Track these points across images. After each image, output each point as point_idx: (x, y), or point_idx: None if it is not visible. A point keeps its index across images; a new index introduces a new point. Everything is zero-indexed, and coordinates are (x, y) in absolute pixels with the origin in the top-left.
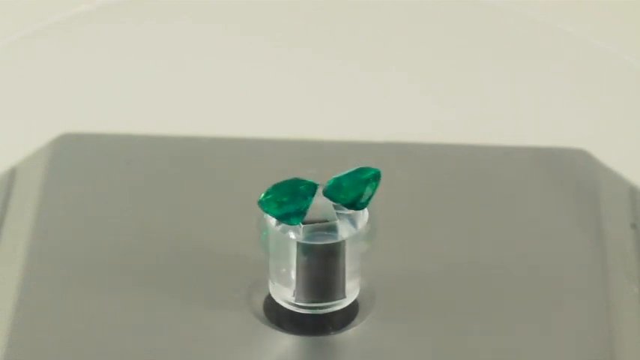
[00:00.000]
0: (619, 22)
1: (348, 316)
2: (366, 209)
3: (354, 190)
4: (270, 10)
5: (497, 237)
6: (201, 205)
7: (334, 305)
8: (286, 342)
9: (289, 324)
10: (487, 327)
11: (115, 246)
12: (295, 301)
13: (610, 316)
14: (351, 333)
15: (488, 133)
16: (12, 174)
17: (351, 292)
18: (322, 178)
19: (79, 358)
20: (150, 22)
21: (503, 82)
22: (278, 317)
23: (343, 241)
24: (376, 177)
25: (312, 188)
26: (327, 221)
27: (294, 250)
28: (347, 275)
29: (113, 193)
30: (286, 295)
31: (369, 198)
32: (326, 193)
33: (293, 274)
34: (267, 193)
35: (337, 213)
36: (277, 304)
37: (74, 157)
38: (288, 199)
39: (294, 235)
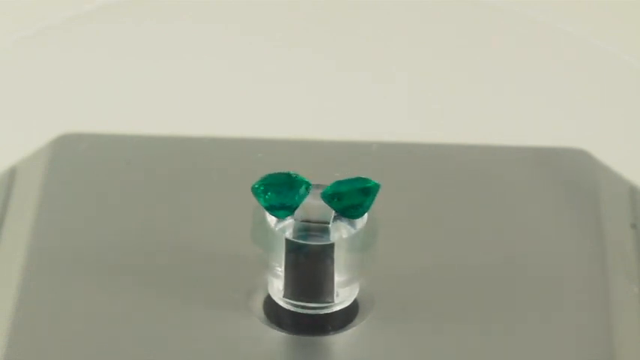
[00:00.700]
0: (619, 22)
1: (348, 316)
2: (366, 215)
3: (349, 198)
4: (270, 10)
5: (497, 237)
6: (201, 205)
7: (321, 308)
8: (286, 342)
9: (289, 324)
10: (487, 327)
11: (115, 246)
12: (283, 296)
13: (610, 316)
14: (350, 333)
15: (488, 133)
16: (12, 174)
17: (344, 297)
18: (322, 178)
19: (79, 358)
20: (150, 22)
21: (503, 82)
22: (278, 317)
23: (332, 244)
24: (375, 189)
25: (305, 186)
26: (320, 222)
27: (282, 246)
28: (338, 280)
29: (113, 193)
30: (276, 288)
31: (364, 209)
32: (322, 196)
33: (281, 270)
34: (261, 181)
35: (335, 216)
36: (277, 305)
37: (74, 157)
38: (280, 191)
39: (286, 231)
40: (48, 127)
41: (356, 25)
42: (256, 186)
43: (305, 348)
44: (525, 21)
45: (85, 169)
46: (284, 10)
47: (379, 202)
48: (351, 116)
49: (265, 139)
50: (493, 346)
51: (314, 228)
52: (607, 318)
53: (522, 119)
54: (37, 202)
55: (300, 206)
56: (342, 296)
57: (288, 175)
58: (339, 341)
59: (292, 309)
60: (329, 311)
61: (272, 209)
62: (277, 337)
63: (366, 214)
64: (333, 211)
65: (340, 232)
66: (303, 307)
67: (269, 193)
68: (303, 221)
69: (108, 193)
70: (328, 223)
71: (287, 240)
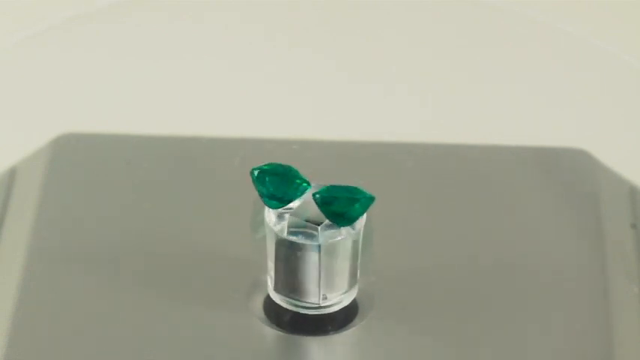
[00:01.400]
0: (619, 22)
1: (348, 316)
2: (364, 217)
3: (338, 205)
4: (270, 10)
5: (497, 237)
6: (201, 205)
7: (307, 308)
8: (286, 342)
9: (289, 324)
10: (487, 327)
11: (115, 246)
12: (273, 289)
13: (610, 316)
14: (351, 333)
15: (488, 133)
16: (12, 174)
17: (335, 301)
18: (322, 178)
19: (79, 358)
20: (150, 22)
21: (503, 82)
22: (278, 317)
23: (319, 245)
24: (366, 202)
25: (304, 185)
26: (313, 222)
27: (273, 240)
28: (326, 282)
29: (113, 193)
30: (269, 280)
31: (351, 219)
32: (313, 196)
33: (271, 264)
34: (262, 166)
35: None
36: (277, 305)
37: (74, 157)
38: (278, 182)
39: (277, 226)
40: (48, 127)
41: (356, 25)
42: (255, 171)
43: (305, 348)
44: (525, 21)
45: (85, 169)
46: (284, 10)
47: (379, 202)
48: (351, 116)
49: (265, 139)
50: (493, 345)
51: (306, 227)
52: (607, 318)
53: (522, 119)
54: (37, 202)
55: (300, 203)
56: (333, 300)
57: (290, 168)
58: (339, 341)
59: (282, 304)
60: (317, 313)
61: (265, 197)
62: (277, 337)
63: (359, 223)
64: None
65: (331, 236)
66: (289, 304)
67: (267, 180)
68: (296, 218)
69: (108, 193)
70: (319, 225)
71: (277, 235)
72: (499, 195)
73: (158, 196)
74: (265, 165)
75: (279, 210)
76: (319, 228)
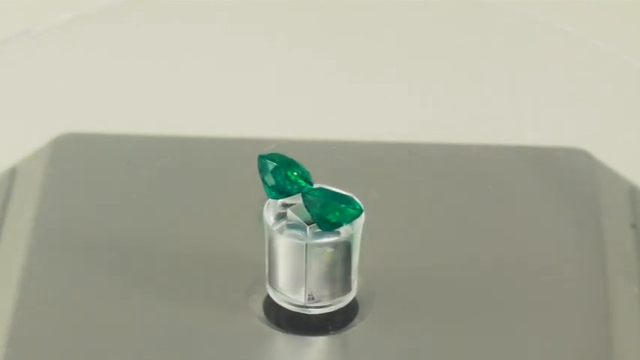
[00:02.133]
0: (619, 22)
1: (348, 316)
2: (357, 226)
3: (323, 209)
4: (270, 10)
5: (496, 237)
6: (201, 205)
7: (295, 306)
8: (286, 342)
9: (289, 324)
10: (487, 327)
11: (115, 246)
12: (267, 282)
13: (610, 316)
14: (351, 333)
15: (488, 133)
16: (12, 174)
17: (324, 302)
18: (321, 178)
19: (78, 358)
20: (150, 22)
21: (503, 82)
22: (278, 317)
23: (306, 244)
24: (352, 213)
25: (302, 182)
26: (305, 221)
27: (266, 234)
28: (314, 282)
29: (113, 193)
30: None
31: (334, 225)
32: (303, 196)
33: (266, 257)
34: (271, 155)
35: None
36: (277, 305)
37: (74, 157)
38: (280, 174)
39: (270, 220)
40: (48, 127)
41: (356, 25)
42: (262, 159)
43: (305, 348)
44: (525, 21)
45: (85, 169)
46: (284, 10)
47: (379, 202)
48: (351, 116)
49: (265, 139)
50: (493, 345)
51: (298, 225)
52: (607, 318)
53: (522, 119)
54: (37, 202)
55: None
56: (324, 302)
57: (295, 163)
58: (339, 341)
59: (274, 299)
60: (304, 312)
61: (266, 185)
62: (277, 337)
63: (347, 231)
64: None
65: (318, 237)
66: (280, 299)
67: (270, 169)
68: (293, 214)
69: (108, 193)
70: (309, 224)
71: (270, 229)
72: (499, 195)
73: (158, 196)
74: (275, 154)
75: (278, 207)
76: (308, 228)
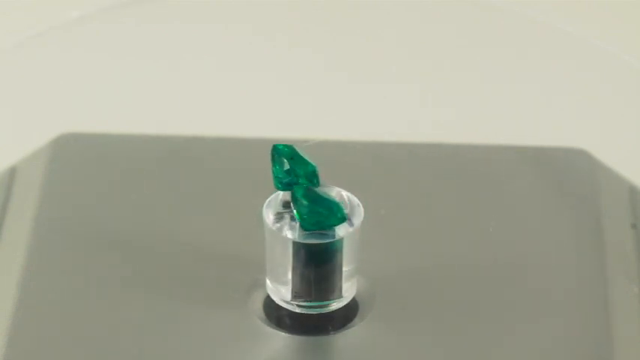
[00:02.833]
0: (619, 22)
1: (348, 316)
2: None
3: (299, 209)
4: (270, 10)
5: (496, 237)
6: (201, 205)
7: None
8: (286, 342)
9: (289, 324)
10: (487, 327)
11: (115, 246)
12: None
13: (610, 316)
14: (351, 333)
15: (488, 133)
16: (12, 174)
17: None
18: (321, 178)
19: (78, 358)
20: (150, 22)
21: (503, 82)
22: (278, 317)
23: (294, 242)
24: (332, 220)
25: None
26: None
27: (266, 233)
28: (298, 281)
29: (113, 193)
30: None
31: (306, 227)
32: (292, 189)
33: (266, 257)
34: (286, 148)
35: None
36: (277, 304)
37: (74, 157)
38: (299, 169)
39: (266, 215)
40: (48, 127)
41: (356, 25)
42: (277, 147)
43: (305, 348)
44: (525, 21)
45: (85, 169)
46: (284, 10)
47: (380, 202)
48: (351, 116)
49: (265, 139)
50: (493, 346)
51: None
52: (607, 318)
53: (522, 119)
54: (37, 202)
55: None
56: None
57: (304, 161)
58: (339, 341)
59: (269, 292)
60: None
61: (274, 175)
62: (277, 337)
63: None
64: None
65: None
66: (272, 293)
67: (278, 160)
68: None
69: (108, 193)
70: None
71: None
72: (499, 195)
73: (158, 196)
74: (289, 147)
75: (278, 206)
76: (296, 225)
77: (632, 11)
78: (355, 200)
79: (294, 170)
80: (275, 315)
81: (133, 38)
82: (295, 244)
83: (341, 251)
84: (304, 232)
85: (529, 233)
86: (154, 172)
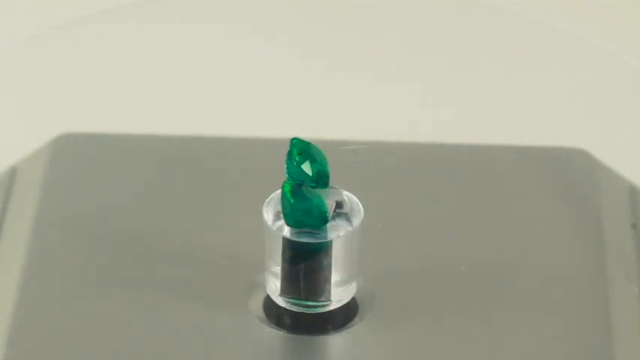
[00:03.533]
0: (619, 22)
1: (348, 316)
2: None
3: (283, 204)
4: (270, 10)
5: (497, 237)
6: (201, 205)
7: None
8: (286, 342)
9: (289, 324)
10: (486, 327)
11: (115, 246)
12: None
13: (610, 316)
14: (350, 333)
15: (488, 133)
16: (12, 174)
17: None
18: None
19: (78, 358)
20: (150, 22)
21: (503, 82)
22: (278, 317)
23: (283, 238)
24: (315, 224)
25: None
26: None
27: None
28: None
29: (113, 193)
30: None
31: (287, 222)
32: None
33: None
34: (305, 143)
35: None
36: (277, 304)
37: (74, 157)
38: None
39: (266, 215)
40: (48, 127)
41: (356, 25)
42: (295, 140)
43: (305, 348)
44: (525, 21)
45: (85, 169)
46: (284, 10)
47: (380, 202)
48: (351, 116)
49: (265, 139)
50: (493, 345)
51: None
52: (607, 318)
53: (522, 119)
54: (37, 202)
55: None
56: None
57: (318, 161)
58: (339, 341)
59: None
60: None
61: (289, 171)
62: (277, 336)
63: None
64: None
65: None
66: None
67: (290, 158)
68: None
69: (108, 193)
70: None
71: (264, 221)
72: (499, 195)
73: (158, 196)
74: (306, 143)
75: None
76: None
77: (632, 11)
78: (355, 200)
79: (297, 166)
80: (275, 315)
81: (133, 38)
82: (284, 240)
83: (329, 254)
84: (296, 231)
85: (529, 233)
86: (154, 172)
